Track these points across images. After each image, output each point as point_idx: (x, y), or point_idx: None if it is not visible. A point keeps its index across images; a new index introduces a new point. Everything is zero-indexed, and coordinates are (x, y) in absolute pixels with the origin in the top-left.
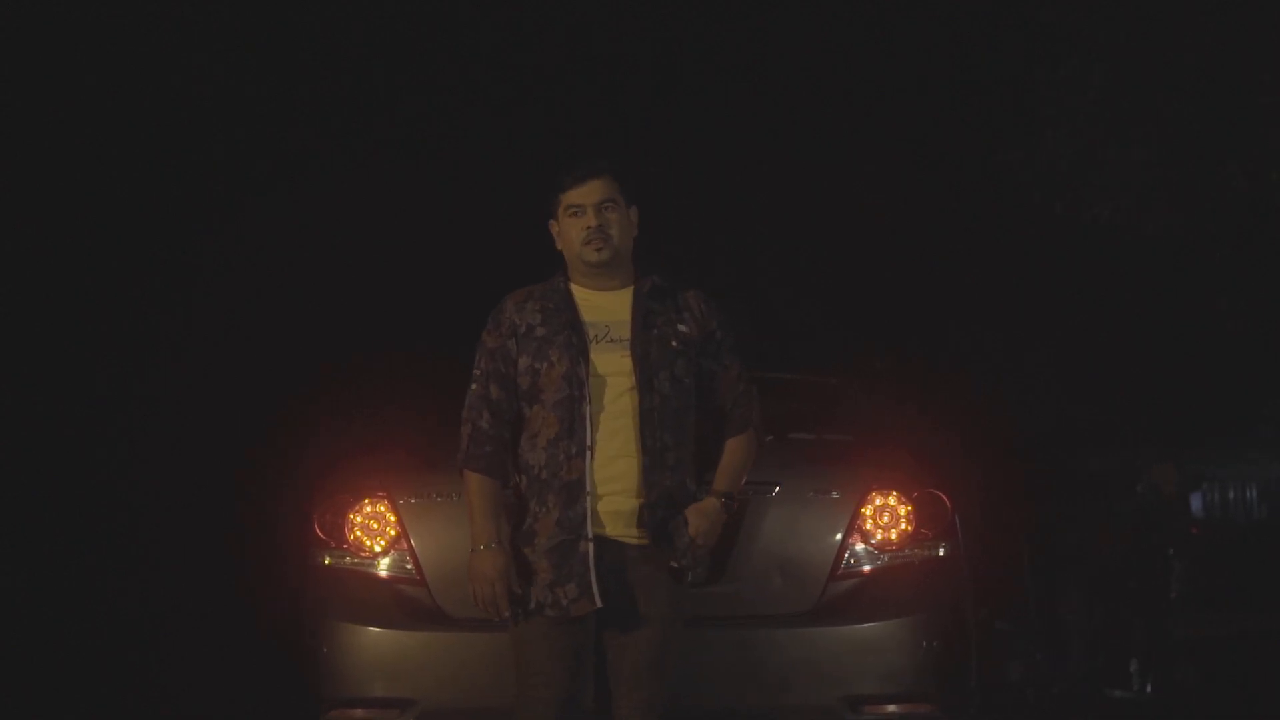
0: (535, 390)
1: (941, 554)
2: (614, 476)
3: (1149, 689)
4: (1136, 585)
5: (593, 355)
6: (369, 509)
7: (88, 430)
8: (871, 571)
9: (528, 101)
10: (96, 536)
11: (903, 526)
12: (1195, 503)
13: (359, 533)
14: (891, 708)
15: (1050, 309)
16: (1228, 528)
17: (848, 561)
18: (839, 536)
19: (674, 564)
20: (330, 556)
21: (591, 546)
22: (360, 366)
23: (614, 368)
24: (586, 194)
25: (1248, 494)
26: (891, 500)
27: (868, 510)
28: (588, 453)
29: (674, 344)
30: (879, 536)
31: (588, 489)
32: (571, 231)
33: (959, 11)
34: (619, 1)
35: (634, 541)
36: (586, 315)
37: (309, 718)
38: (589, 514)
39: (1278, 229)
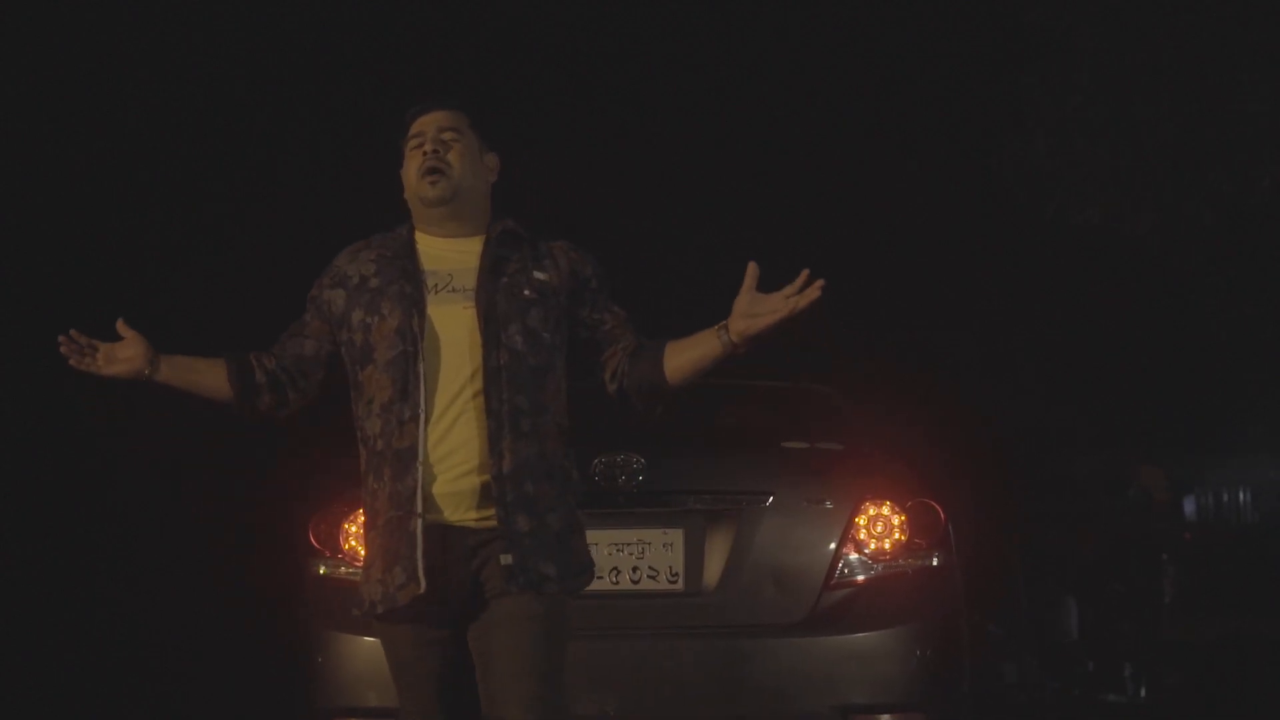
0: (368, 349)
1: (935, 563)
2: (452, 448)
3: (1143, 694)
4: (1127, 589)
5: (430, 307)
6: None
7: (80, 434)
8: (865, 581)
9: (531, 104)
10: (87, 543)
11: (896, 536)
12: (1189, 506)
13: (354, 542)
14: (885, 717)
15: (1040, 311)
16: (1221, 531)
17: (841, 571)
18: (832, 546)
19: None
20: (325, 566)
21: (420, 523)
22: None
23: (454, 321)
24: (428, 122)
25: (1241, 497)
26: (885, 510)
27: (861, 520)
28: (421, 416)
29: (526, 293)
30: (872, 546)
31: (419, 458)
32: (410, 166)
33: (947, 12)
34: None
35: (475, 525)
36: (427, 264)
37: None
38: (419, 487)
39: (1265, 233)
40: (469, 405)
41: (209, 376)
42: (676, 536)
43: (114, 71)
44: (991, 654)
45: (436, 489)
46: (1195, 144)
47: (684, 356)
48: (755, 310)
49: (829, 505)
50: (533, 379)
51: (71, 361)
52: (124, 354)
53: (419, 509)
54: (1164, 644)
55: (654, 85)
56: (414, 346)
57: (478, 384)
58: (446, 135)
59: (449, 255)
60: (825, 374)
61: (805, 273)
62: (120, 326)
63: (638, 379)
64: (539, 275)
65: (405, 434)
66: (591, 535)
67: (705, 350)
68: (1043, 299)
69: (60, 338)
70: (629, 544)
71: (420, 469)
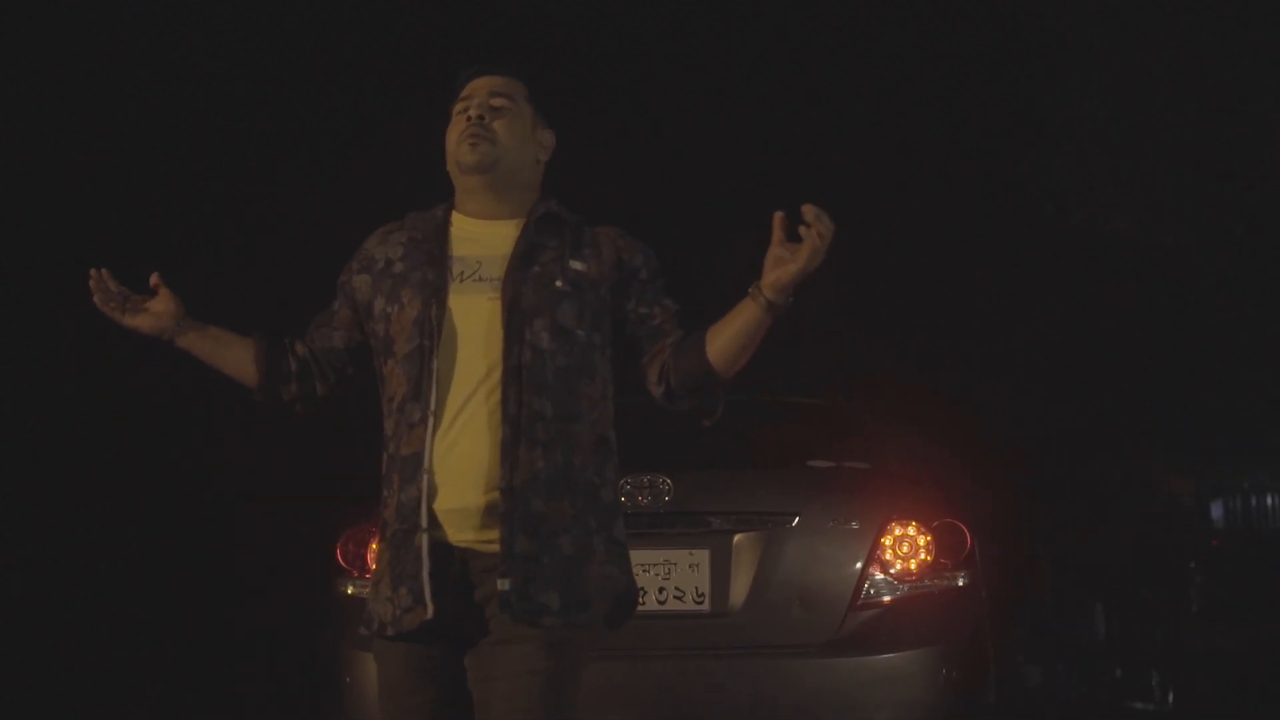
0: (389, 340)
1: (961, 584)
2: (462, 457)
3: (1170, 701)
4: (1153, 596)
5: (451, 297)
6: None
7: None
8: (891, 602)
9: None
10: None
11: (922, 557)
12: (1216, 510)
13: None
14: None
15: (1068, 318)
16: (1250, 536)
17: (867, 592)
18: (858, 567)
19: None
20: (353, 586)
21: (426, 540)
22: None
23: (475, 313)
24: (479, 85)
25: (1270, 501)
26: (911, 530)
27: (887, 540)
28: (430, 419)
29: (558, 284)
30: (898, 567)
31: (425, 465)
32: (453, 130)
33: (972, 20)
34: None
35: (481, 548)
36: (458, 249)
37: None
38: (424, 499)
39: None
40: (483, 408)
41: (236, 352)
42: (703, 557)
43: (115, 68)
44: (1016, 657)
45: (442, 503)
46: (1222, 152)
47: (725, 333)
48: (784, 257)
49: (855, 526)
50: (560, 381)
51: (95, 299)
52: (153, 308)
53: (424, 524)
54: (1191, 652)
55: (652, 86)
56: (430, 340)
57: (494, 385)
58: (497, 101)
59: (482, 239)
60: (851, 390)
61: (808, 208)
62: (155, 280)
63: (683, 373)
64: (576, 265)
65: (413, 438)
66: None
67: (745, 317)
68: (1070, 306)
69: (90, 272)
70: (655, 564)
71: (426, 478)
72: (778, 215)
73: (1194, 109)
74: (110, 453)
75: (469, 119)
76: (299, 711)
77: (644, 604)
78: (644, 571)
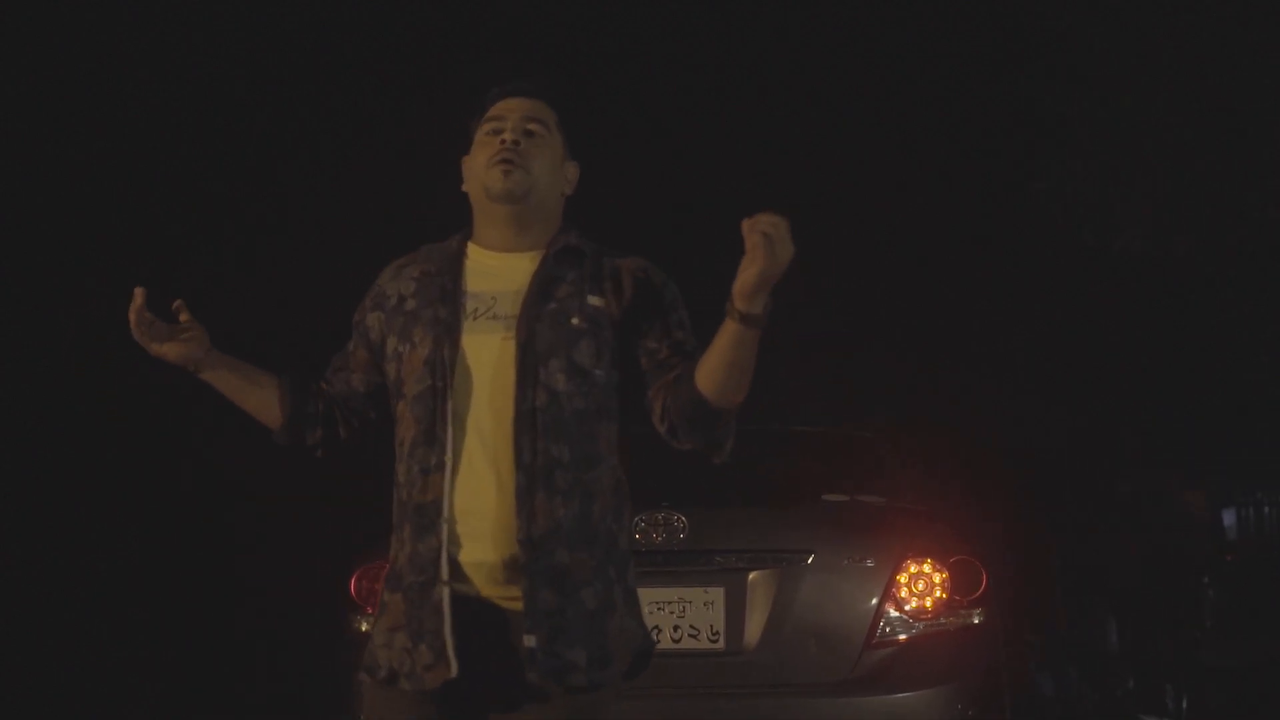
0: (400, 381)
1: (976, 621)
2: (477, 508)
3: (1184, 714)
4: (1166, 609)
5: (465, 335)
6: None
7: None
8: (906, 640)
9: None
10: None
11: (937, 594)
12: (1228, 518)
13: None
14: None
15: (1080, 330)
16: (1263, 549)
17: (882, 630)
18: (873, 604)
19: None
20: (367, 622)
21: (448, 593)
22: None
23: (489, 353)
24: (512, 107)
25: None
26: (926, 568)
27: (903, 578)
28: (447, 465)
29: (574, 321)
30: (914, 604)
31: (444, 514)
32: (481, 153)
33: (984, 35)
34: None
35: (505, 604)
36: (474, 284)
37: None
38: (444, 550)
39: None
40: (502, 454)
41: (263, 390)
42: (717, 595)
43: (115, 68)
44: (1028, 663)
45: (464, 555)
46: (1236, 166)
47: (710, 357)
48: (745, 264)
49: (870, 563)
50: (578, 425)
51: (134, 327)
52: (181, 335)
53: (445, 576)
54: (1205, 667)
55: (652, 89)
56: (443, 381)
57: (509, 430)
58: (532, 126)
59: (498, 273)
60: (865, 409)
61: (744, 223)
62: (179, 307)
63: (678, 407)
64: (594, 300)
65: (430, 486)
66: None
67: (724, 336)
68: (1082, 318)
69: (137, 290)
70: (670, 602)
71: (445, 528)
72: (745, 224)
73: (1211, 122)
74: (111, 453)
75: (503, 143)
76: (299, 712)
77: (658, 642)
78: (658, 610)
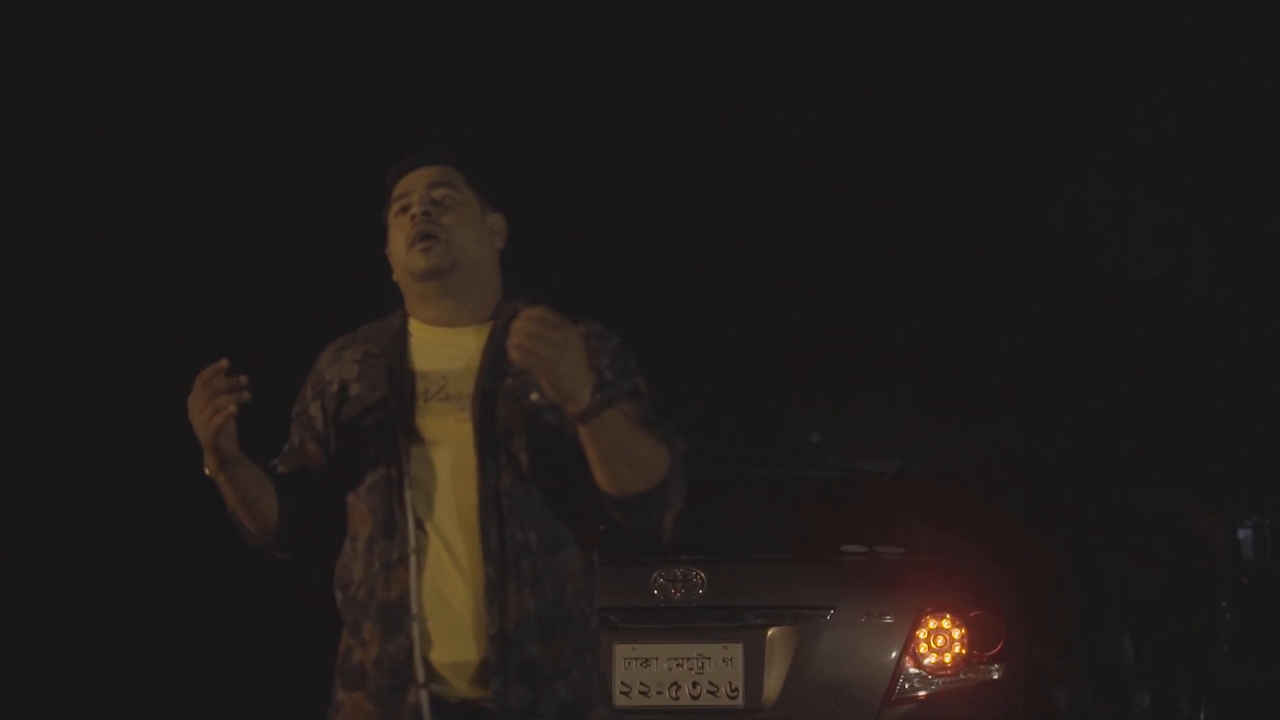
0: (350, 472)
1: (995, 677)
2: (446, 604)
3: None
4: (1180, 628)
5: (419, 419)
6: None
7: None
8: (926, 696)
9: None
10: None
11: (957, 650)
12: (1242, 533)
13: None
14: None
15: (1097, 355)
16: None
17: (902, 686)
18: (893, 659)
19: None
20: None
21: (426, 696)
22: None
23: (448, 435)
24: (414, 180)
25: None
26: (945, 623)
27: (922, 634)
28: (412, 559)
29: (534, 396)
30: (933, 660)
31: (413, 612)
32: (399, 236)
33: (999, 61)
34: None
35: (484, 705)
36: (420, 363)
37: None
38: (416, 651)
39: None
40: (466, 545)
41: (269, 490)
42: (736, 651)
43: (115, 68)
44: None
45: (437, 656)
46: (1254, 193)
47: (589, 456)
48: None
49: (889, 619)
50: (545, 507)
51: (209, 383)
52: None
53: (421, 679)
54: (1220, 686)
55: (652, 89)
56: (399, 470)
57: (473, 518)
58: (439, 193)
59: (444, 351)
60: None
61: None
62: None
63: (602, 496)
64: None
65: (393, 582)
66: (650, 649)
67: (581, 437)
68: (1099, 344)
69: (243, 381)
70: (689, 658)
71: (416, 627)
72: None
73: (1230, 150)
74: (111, 452)
75: (413, 218)
76: (299, 712)
77: (677, 699)
78: (676, 666)
